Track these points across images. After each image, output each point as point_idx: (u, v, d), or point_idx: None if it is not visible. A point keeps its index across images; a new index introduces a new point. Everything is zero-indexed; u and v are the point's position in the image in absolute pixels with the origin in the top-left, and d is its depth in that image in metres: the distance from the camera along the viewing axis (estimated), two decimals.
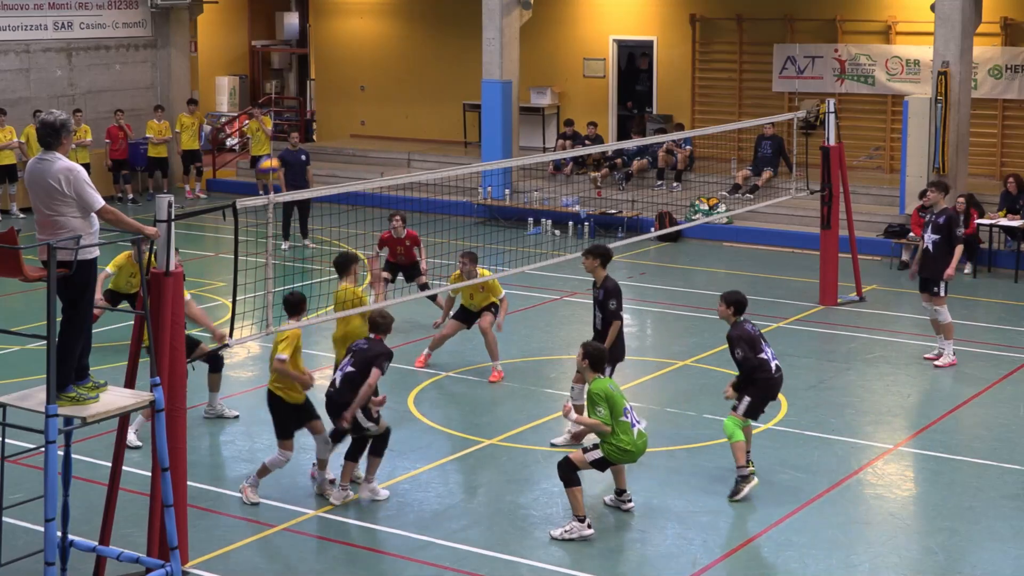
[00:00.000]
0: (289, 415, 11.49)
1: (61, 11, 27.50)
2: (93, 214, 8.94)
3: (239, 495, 11.50)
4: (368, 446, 11.50)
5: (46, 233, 8.85)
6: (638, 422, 10.85)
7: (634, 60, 28.42)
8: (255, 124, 27.40)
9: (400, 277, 17.41)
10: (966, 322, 17.74)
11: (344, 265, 12.92)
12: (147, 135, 27.44)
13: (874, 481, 12.06)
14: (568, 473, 10.68)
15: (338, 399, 11.34)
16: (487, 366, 15.18)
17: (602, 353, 11.02)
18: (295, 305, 11.61)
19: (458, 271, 14.75)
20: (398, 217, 17.18)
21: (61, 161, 8.88)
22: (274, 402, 11.48)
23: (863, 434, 13.21)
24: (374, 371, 11.24)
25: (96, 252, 9.05)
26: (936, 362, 15.59)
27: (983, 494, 11.73)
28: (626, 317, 17.90)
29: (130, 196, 27.17)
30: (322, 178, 25.02)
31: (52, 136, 8.89)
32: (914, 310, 18.57)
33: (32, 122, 25.83)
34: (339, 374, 11.44)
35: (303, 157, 22.96)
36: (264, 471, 11.51)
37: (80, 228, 8.85)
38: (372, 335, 11.56)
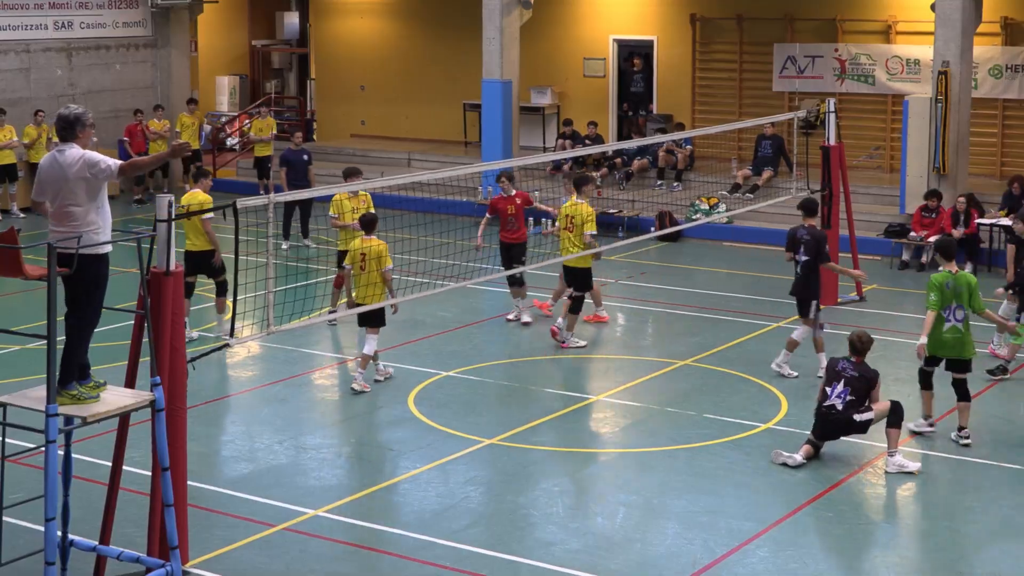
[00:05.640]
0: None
1: (61, 11, 27.50)
2: (105, 207, 9.12)
3: (239, 494, 11.54)
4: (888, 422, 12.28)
5: (59, 225, 9.01)
6: None
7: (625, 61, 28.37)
8: (261, 123, 27.21)
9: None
10: None
11: (581, 182, 16.34)
12: (151, 129, 27.41)
13: (874, 481, 12.07)
14: None
15: (840, 416, 12.24)
16: (487, 366, 15.19)
17: None
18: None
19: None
20: (504, 177, 17.48)
21: (74, 149, 9.14)
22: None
23: (863, 434, 13.19)
24: (877, 398, 12.39)
25: (108, 248, 9.13)
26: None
27: (983, 494, 11.73)
28: (625, 317, 17.97)
29: (136, 196, 27.16)
30: (323, 178, 25.00)
31: (67, 130, 9.19)
32: (914, 310, 18.56)
33: (32, 122, 25.86)
34: (838, 400, 12.20)
35: (305, 157, 22.96)
36: (367, 360, 14.33)
37: (93, 220, 9.01)
38: (853, 358, 12.39)
